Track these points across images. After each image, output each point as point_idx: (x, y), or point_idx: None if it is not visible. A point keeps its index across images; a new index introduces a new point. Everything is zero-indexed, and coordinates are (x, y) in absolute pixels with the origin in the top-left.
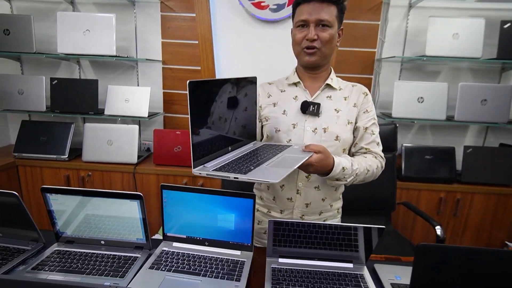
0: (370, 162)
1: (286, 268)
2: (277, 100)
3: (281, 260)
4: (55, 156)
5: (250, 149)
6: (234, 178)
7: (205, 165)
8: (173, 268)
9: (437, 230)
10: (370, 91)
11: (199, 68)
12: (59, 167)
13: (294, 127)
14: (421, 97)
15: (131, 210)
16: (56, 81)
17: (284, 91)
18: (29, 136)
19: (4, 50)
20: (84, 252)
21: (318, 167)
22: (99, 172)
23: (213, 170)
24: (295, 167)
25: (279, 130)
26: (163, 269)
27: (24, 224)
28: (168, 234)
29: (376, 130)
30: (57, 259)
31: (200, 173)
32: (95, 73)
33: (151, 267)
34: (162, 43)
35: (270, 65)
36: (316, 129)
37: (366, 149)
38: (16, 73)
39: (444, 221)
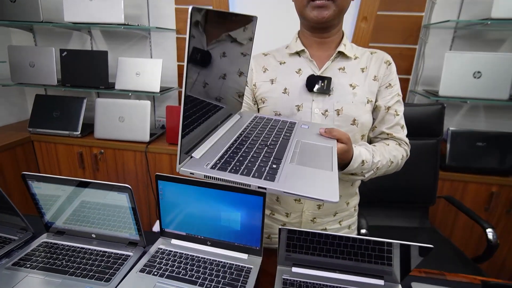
0: (394, 152)
1: (300, 281)
2: (275, 75)
3: (295, 269)
4: (68, 132)
5: (242, 126)
6: (259, 188)
7: (192, 155)
8: (166, 273)
9: (488, 234)
10: (413, 64)
11: None
12: (72, 143)
13: (298, 110)
14: (478, 72)
15: (120, 203)
16: (65, 52)
17: (284, 63)
18: (43, 111)
19: (11, 19)
20: (73, 247)
21: (337, 160)
22: (111, 150)
23: (211, 167)
24: (337, 168)
25: (280, 114)
26: (155, 273)
27: (9, 212)
28: (166, 230)
29: (401, 109)
30: (42, 254)
31: (191, 173)
32: (107, 44)
33: (142, 270)
34: (175, 9)
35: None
36: (327, 111)
37: (388, 134)
38: (29, 45)
39: (493, 219)
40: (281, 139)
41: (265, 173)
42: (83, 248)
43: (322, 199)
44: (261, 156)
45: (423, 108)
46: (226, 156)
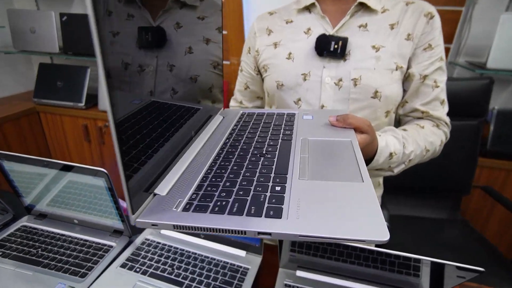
0: (431, 137)
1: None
2: (280, 37)
3: (300, 273)
4: (72, 104)
5: (226, 131)
6: (260, 234)
7: (155, 191)
8: (150, 270)
9: None
10: (455, 30)
11: None
12: (77, 115)
13: (305, 79)
14: None
15: (98, 188)
16: (65, 17)
17: (291, 21)
18: (47, 80)
19: None
20: (52, 233)
21: None
22: None
23: (184, 209)
24: (368, 175)
25: (282, 85)
26: (138, 269)
27: None
28: None
29: (442, 79)
30: (19, 240)
31: (154, 225)
32: None
33: (123, 265)
34: None
35: None
36: (341, 80)
37: (423, 112)
38: (32, 9)
39: None
40: (280, 141)
41: (265, 206)
42: (63, 235)
43: (365, 240)
44: (257, 173)
45: (466, 82)
46: (206, 185)
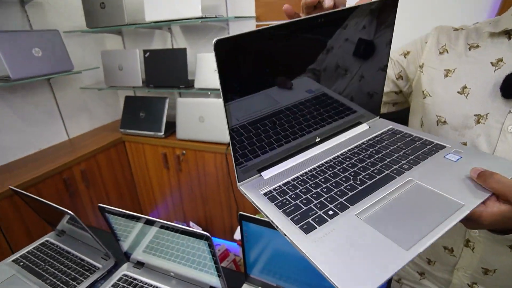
0: None
1: (290, 184)
2: (455, 64)
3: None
4: (153, 133)
5: (357, 141)
6: (285, 236)
7: (262, 173)
8: None
9: None
10: None
11: None
12: (157, 144)
13: (478, 122)
14: None
15: (199, 249)
16: (148, 53)
17: (477, 47)
18: (131, 112)
19: (101, 24)
20: (151, 286)
21: (492, 224)
22: (192, 151)
23: (265, 193)
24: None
25: (445, 122)
26: None
27: (92, 240)
28: (252, 276)
29: None
30: None
31: (245, 195)
32: (186, 40)
33: None
34: None
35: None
36: None
37: None
38: (120, 48)
39: None
40: (387, 172)
41: (306, 220)
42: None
43: (337, 285)
44: (329, 194)
45: None
46: (290, 184)
